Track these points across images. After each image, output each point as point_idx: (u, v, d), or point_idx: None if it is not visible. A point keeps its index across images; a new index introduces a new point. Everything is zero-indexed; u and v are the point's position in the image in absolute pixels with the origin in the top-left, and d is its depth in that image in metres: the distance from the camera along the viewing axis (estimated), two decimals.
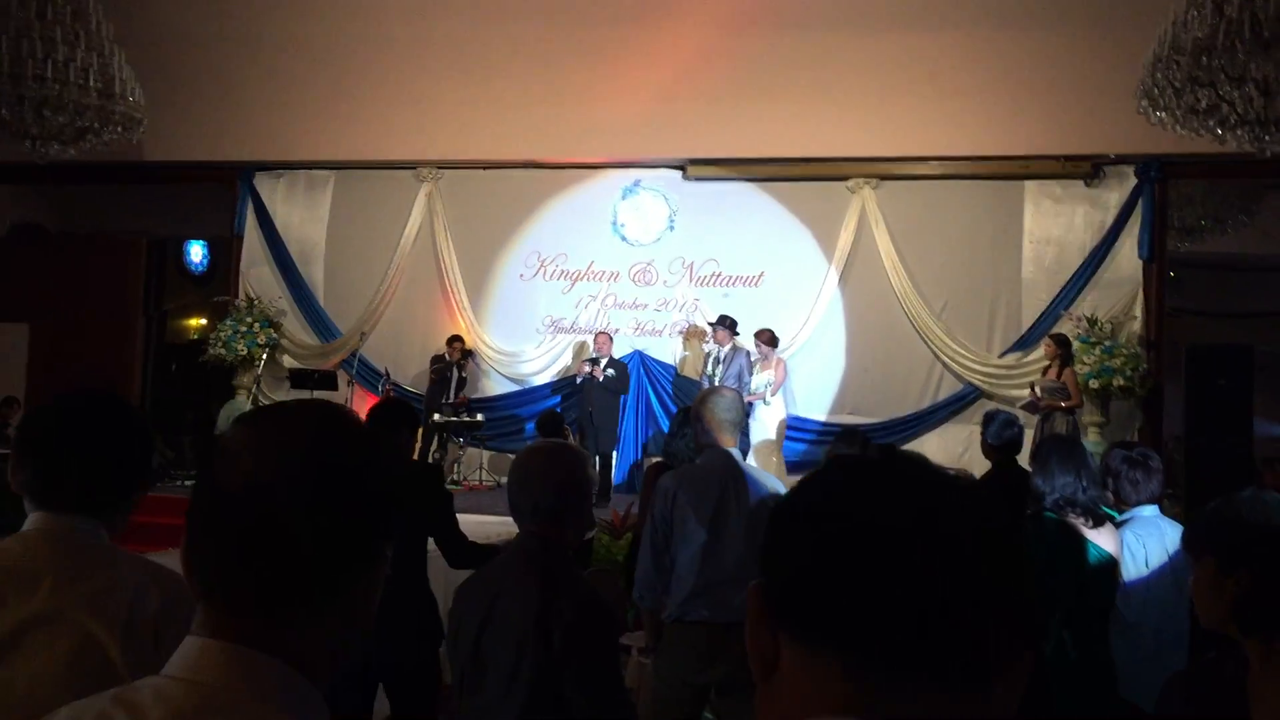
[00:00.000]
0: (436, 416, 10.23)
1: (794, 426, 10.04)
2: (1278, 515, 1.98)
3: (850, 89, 9.95)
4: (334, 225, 11.68)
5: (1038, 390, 8.83)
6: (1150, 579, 3.66)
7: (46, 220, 13.27)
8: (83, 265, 12.75)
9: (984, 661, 0.78)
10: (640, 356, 10.89)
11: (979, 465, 6.60)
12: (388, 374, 10.86)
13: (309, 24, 10.77)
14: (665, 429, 9.42)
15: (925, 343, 10.30)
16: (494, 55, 10.53)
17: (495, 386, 11.31)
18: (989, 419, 5.44)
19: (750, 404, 9.13)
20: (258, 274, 11.79)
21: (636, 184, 11.06)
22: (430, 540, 4.08)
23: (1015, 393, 9.57)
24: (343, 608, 1.06)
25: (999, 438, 5.29)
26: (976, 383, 10.16)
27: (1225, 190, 11.45)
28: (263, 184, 11.82)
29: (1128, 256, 10.01)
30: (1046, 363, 9.22)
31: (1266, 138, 6.38)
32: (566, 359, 11.08)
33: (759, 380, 9.59)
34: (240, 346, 11.21)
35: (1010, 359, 10.15)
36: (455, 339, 10.74)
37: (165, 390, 14.13)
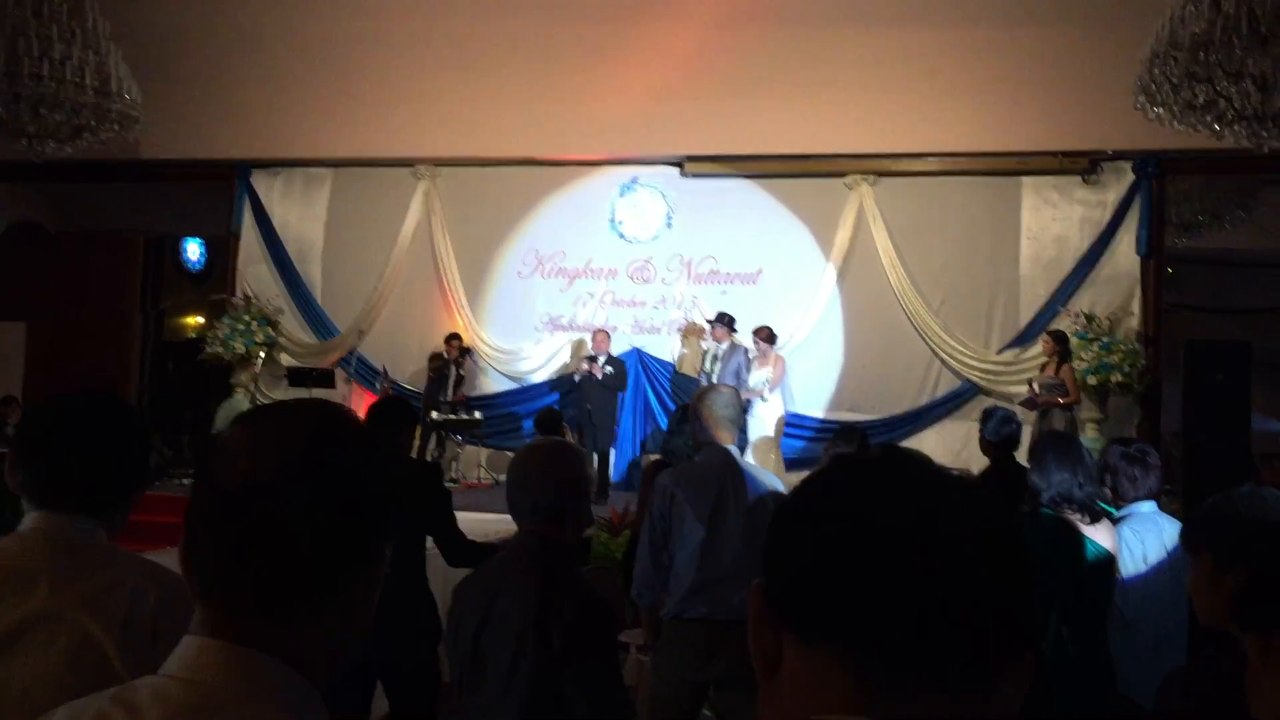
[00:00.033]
0: (435, 414, 10.23)
1: (792, 423, 10.04)
2: (1275, 511, 1.98)
3: (848, 86, 9.95)
4: (331, 223, 11.67)
5: (1036, 387, 8.83)
6: (1149, 575, 3.66)
7: (43, 219, 13.25)
8: (80, 263, 12.74)
9: (984, 662, 0.78)
10: (638, 354, 10.89)
11: (977, 461, 6.60)
12: (386, 372, 10.85)
13: (306, 21, 10.75)
14: (663, 426, 9.42)
15: (923, 339, 10.31)
16: (492, 52, 10.52)
17: (493, 384, 11.31)
18: (987, 415, 5.44)
19: (748, 401, 9.13)
20: (255, 272, 11.77)
21: (634, 181, 11.05)
22: (429, 539, 4.08)
23: (1013, 389, 9.58)
24: (341, 607, 1.06)
25: (997, 434, 5.30)
26: (974, 379, 10.17)
27: (1223, 186, 11.44)
28: (260, 182, 11.80)
29: (1125, 252, 10.01)
30: (1045, 359, 9.22)
31: (1264, 133, 6.38)
32: (564, 357, 11.08)
33: (757, 377, 9.59)
34: (238, 345, 11.20)
35: (1008, 355, 10.15)
36: (453, 337, 10.73)
37: (163, 388, 14.13)
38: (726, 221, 10.78)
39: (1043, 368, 9.15)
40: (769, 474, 4.10)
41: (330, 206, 11.68)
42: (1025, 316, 10.17)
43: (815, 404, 10.48)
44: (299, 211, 11.76)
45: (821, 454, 6.15)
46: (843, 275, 10.56)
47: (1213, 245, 11.90)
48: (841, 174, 10.56)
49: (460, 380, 10.64)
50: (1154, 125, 6.91)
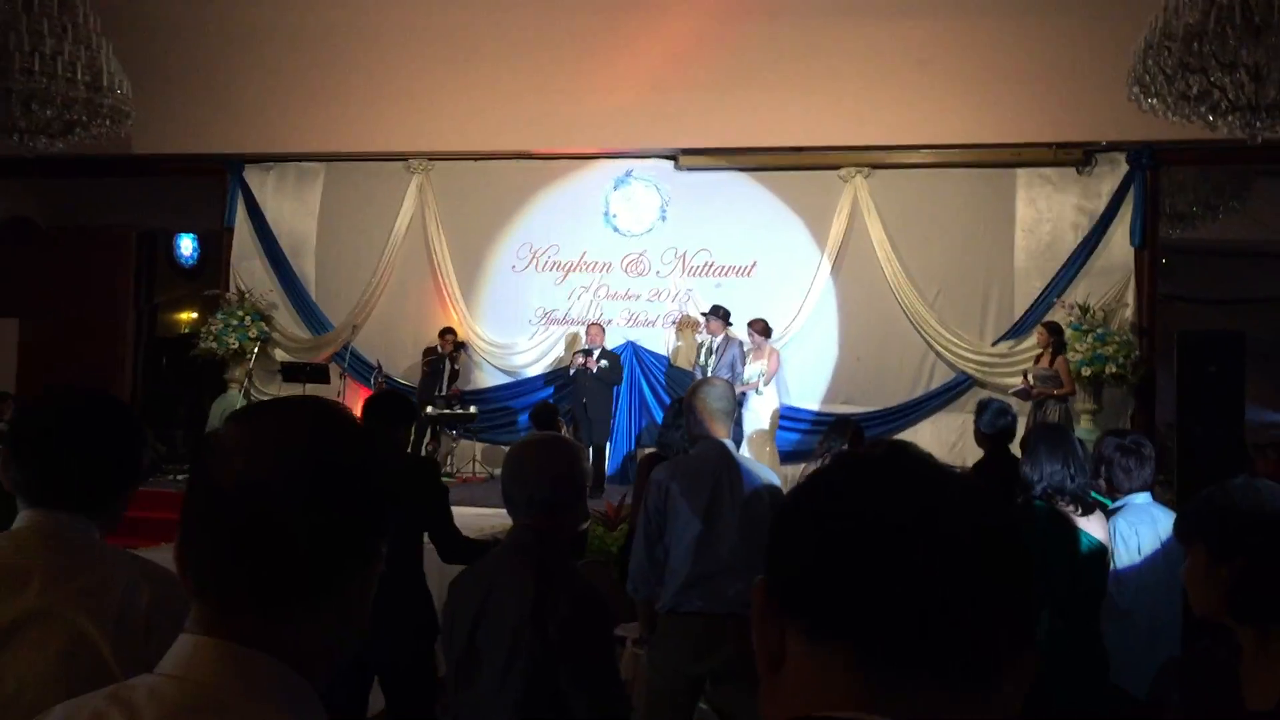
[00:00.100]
0: (429, 409, 10.22)
1: (787, 416, 10.04)
2: (1270, 502, 1.98)
3: (842, 78, 9.95)
4: (325, 218, 11.64)
5: (1030, 378, 8.85)
6: (1143, 566, 3.67)
7: (36, 214, 13.21)
8: (73, 259, 12.71)
9: (984, 661, 0.78)
10: (633, 347, 10.89)
11: (972, 453, 6.61)
12: (380, 366, 10.84)
13: (298, 15, 10.72)
14: (658, 420, 9.42)
15: (918, 331, 10.32)
16: (485, 46, 10.50)
17: (488, 378, 11.29)
18: (982, 407, 5.45)
19: (743, 394, 9.14)
20: (248, 267, 11.74)
21: (628, 174, 11.04)
22: (426, 535, 4.07)
23: (1008, 381, 9.59)
24: (338, 605, 1.06)
25: (992, 426, 5.30)
26: (969, 371, 10.19)
27: (1217, 177, 11.47)
28: (253, 176, 11.77)
29: (1120, 244, 10.03)
30: (1039, 351, 9.24)
31: (1258, 124, 6.39)
32: (559, 350, 11.07)
33: (752, 370, 9.60)
34: (231, 340, 11.18)
35: (1003, 347, 10.17)
36: (447, 331, 10.72)
37: (156, 384, 14.11)
38: (721, 214, 10.78)
39: (1037, 359, 9.16)
40: (764, 467, 4.10)
41: (323, 201, 11.65)
42: (1020, 308, 10.19)
43: (810, 397, 10.49)
44: (292, 206, 11.73)
45: (816, 447, 6.15)
46: (837, 268, 10.56)
47: (1207, 236, 11.92)
48: (836, 166, 10.55)
49: (455, 374, 10.64)
50: (1148, 116, 6.92)
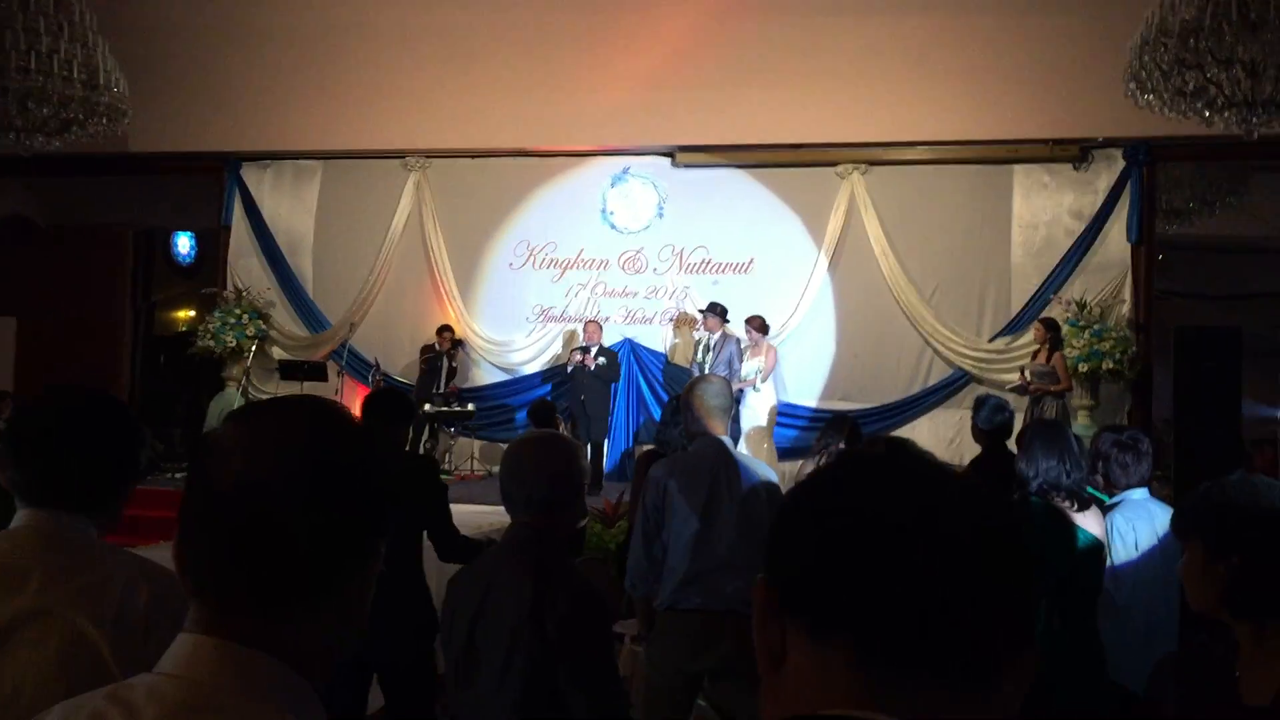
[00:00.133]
0: (427, 407, 10.22)
1: (785, 413, 10.04)
2: (1266, 498, 1.99)
3: (838, 74, 9.94)
4: (322, 215, 11.63)
5: (1027, 374, 8.86)
6: (1140, 562, 3.67)
7: (33, 213, 13.20)
8: (70, 258, 12.70)
9: (984, 660, 0.78)
10: (631, 344, 10.89)
11: (969, 450, 6.62)
12: (378, 364, 10.83)
13: (295, 13, 10.71)
14: (656, 417, 9.43)
15: (915, 328, 10.32)
16: (481, 43, 10.49)
17: (486, 376, 11.29)
18: (980, 404, 5.45)
19: (741, 391, 9.14)
20: (246, 265, 11.73)
21: (625, 171, 11.04)
22: (425, 533, 4.07)
23: (1005, 377, 9.60)
24: (338, 605, 1.06)
25: (990, 422, 5.30)
26: (966, 367, 10.19)
27: (1213, 172, 11.47)
28: (250, 175, 11.76)
29: (1116, 240, 10.04)
30: (1036, 347, 9.25)
31: (1254, 119, 6.40)
32: (557, 348, 11.07)
33: (749, 367, 9.60)
34: (229, 338, 11.17)
35: (1000, 343, 10.18)
36: (445, 329, 10.72)
37: (154, 382, 14.10)
38: (718, 211, 10.78)
39: (1034, 355, 9.18)
40: (762, 464, 4.10)
41: (321, 199, 11.64)
42: (1017, 304, 10.20)
43: (808, 393, 10.49)
44: (289, 204, 11.72)
45: (814, 443, 6.15)
46: (834, 264, 10.56)
47: (1203, 232, 11.93)
48: (833, 163, 10.55)
49: (452, 372, 10.64)
50: (1144, 112, 6.92)
